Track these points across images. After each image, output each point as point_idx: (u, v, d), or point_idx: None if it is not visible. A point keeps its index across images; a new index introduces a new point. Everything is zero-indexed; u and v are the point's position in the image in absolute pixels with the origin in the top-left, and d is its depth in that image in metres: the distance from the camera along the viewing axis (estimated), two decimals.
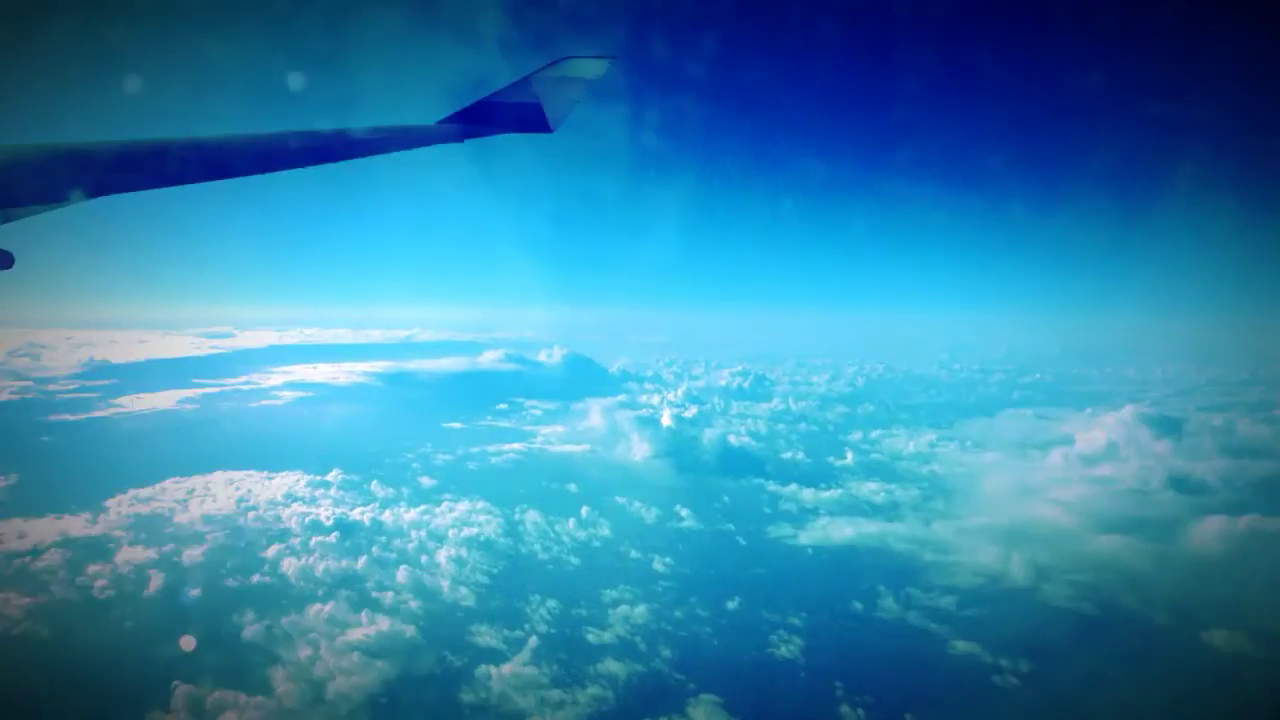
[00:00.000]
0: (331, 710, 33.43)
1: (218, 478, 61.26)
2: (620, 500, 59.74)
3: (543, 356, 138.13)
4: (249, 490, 58.59)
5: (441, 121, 9.67)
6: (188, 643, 35.70)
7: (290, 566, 45.99)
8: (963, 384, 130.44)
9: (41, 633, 38.14)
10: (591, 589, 44.95)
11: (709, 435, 79.09)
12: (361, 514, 54.38)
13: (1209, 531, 50.95)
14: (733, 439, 79.94)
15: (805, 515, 59.04)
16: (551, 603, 43.02)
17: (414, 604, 42.51)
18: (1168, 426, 74.22)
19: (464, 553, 48.87)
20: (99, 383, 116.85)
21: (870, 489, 64.86)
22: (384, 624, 39.83)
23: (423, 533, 51.39)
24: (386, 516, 54.08)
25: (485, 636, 39.61)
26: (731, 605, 43.52)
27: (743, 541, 54.17)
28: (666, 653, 38.61)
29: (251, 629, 38.68)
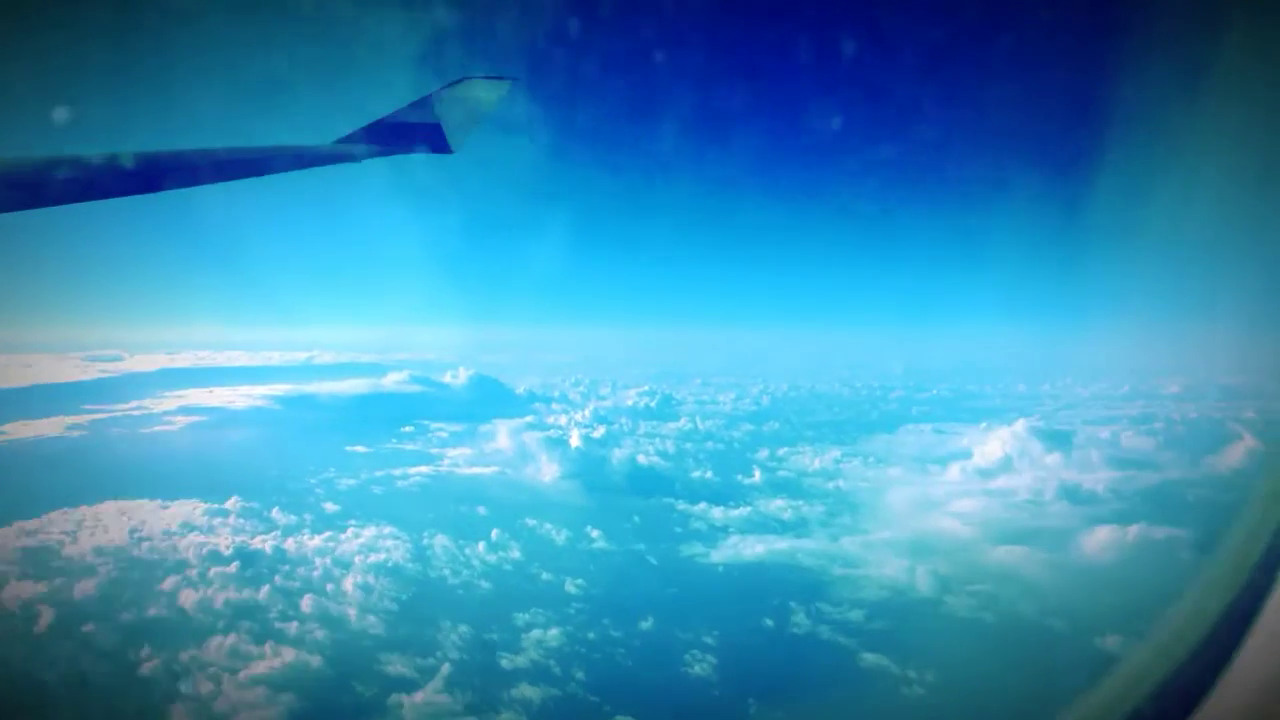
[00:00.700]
0: None
1: (109, 507, 58.23)
2: (530, 522, 59.17)
3: (448, 378, 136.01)
4: (142, 520, 55.91)
5: (340, 140, 9.49)
6: (81, 680, 34.10)
7: (188, 598, 44.15)
8: (864, 400, 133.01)
9: None
10: (503, 613, 44.41)
11: (618, 455, 79.04)
12: (263, 542, 52.54)
13: (1100, 540, 53.09)
14: (642, 459, 79.94)
15: (716, 534, 59.45)
16: (463, 628, 42.36)
17: (320, 634, 41.28)
18: (1058, 440, 77.18)
19: (371, 579, 47.75)
20: None
21: (778, 506, 65.57)
22: (289, 655, 38.58)
23: (328, 560, 49.99)
24: (289, 544, 52.40)
25: (395, 665, 38.73)
26: (645, 625, 43.51)
27: (654, 561, 54.25)
28: (581, 675, 38.39)
29: (149, 664, 37.05)
